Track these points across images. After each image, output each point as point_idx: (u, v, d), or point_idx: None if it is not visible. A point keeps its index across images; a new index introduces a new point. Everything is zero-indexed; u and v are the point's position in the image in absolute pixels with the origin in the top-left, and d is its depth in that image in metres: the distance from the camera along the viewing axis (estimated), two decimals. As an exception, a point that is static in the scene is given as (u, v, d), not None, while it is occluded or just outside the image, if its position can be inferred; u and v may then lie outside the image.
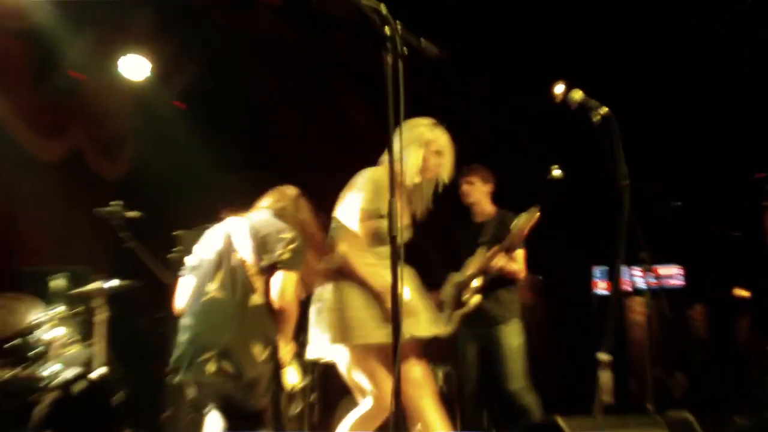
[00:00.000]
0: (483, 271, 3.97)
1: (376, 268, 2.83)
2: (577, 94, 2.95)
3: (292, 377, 2.74)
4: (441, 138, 3.07)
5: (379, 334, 2.78)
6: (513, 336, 4.01)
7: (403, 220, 2.97)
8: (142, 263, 3.85)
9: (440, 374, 5.29)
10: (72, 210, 5.01)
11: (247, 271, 2.77)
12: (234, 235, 2.87)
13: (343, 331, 2.82)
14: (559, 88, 2.96)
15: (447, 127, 3.11)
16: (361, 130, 5.81)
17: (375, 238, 2.90)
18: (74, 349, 3.88)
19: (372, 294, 2.83)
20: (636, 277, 6.34)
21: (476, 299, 3.99)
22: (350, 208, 2.91)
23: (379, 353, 2.83)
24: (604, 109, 2.91)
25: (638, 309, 6.03)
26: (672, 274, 7.24)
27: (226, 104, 5.80)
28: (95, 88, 5.25)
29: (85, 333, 3.96)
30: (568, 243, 6.79)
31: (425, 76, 5.09)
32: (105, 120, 5.47)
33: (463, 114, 6.39)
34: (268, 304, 2.77)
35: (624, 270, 6.26)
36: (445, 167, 3.08)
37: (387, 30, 2.03)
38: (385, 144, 2.02)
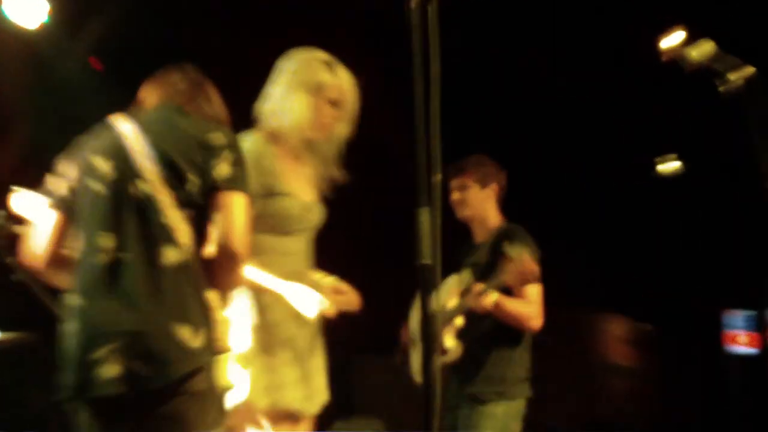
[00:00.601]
0: (466, 310, 4.04)
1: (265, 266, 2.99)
2: (703, 49, 2.89)
3: (227, 372, 2.63)
4: (340, 81, 3.20)
5: (270, 396, 2.96)
6: (489, 423, 4.00)
7: (305, 195, 3.15)
8: (38, 305, 3.74)
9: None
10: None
11: (161, 208, 2.60)
12: (132, 151, 2.68)
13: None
14: (672, 39, 2.87)
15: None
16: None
17: (266, 226, 3.04)
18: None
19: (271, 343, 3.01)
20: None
21: (457, 348, 4.06)
22: None
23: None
24: (747, 71, 2.85)
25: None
26: None
27: (160, 63, 5.84)
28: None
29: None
30: (689, 277, 6.86)
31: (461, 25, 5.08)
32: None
33: (516, 78, 6.60)
34: (196, 258, 2.62)
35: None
36: (344, 121, 3.22)
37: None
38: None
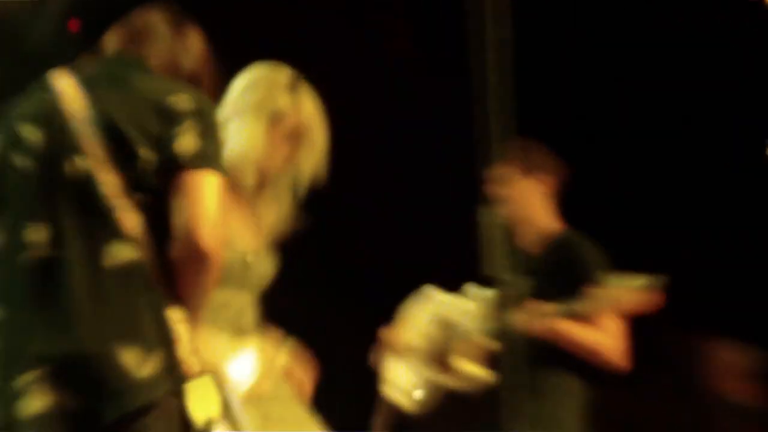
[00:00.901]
0: (509, 331, 3.95)
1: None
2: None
3: (205, 402, 2.53)
4: (301, 107, 3.19)
5: None
6: None
7: (248, 246, 3.13)
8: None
9: None
10: None
11: (104, 193, 2.50)
12: (70, 117, 2.58)
13: None
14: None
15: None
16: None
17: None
18: None
19: None
20: None
21: (482, 376, 4.10)
22: None
23: None
24: None
25: None
26: None
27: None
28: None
29: None
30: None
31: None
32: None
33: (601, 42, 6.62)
34: (151, 257, 2.52)
35: None
36: (307, 155, 3.21)
37: None
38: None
